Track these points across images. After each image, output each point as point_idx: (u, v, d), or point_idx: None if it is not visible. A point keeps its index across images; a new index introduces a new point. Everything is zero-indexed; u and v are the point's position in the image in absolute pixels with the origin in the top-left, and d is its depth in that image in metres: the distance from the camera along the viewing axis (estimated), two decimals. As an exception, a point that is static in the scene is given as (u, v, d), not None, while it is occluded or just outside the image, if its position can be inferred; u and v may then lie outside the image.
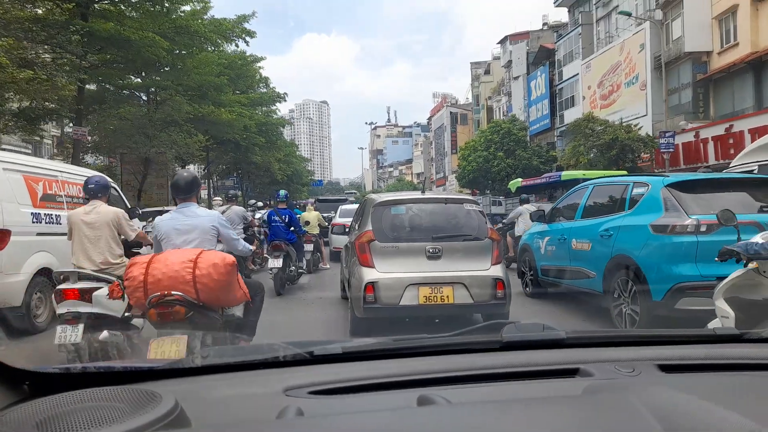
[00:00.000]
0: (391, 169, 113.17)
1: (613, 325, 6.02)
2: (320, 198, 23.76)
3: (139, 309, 3.59)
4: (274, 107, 33.87)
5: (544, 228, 8.22)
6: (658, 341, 1.51)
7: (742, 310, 3.39)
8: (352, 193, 25.07)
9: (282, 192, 9.96)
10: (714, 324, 3.64)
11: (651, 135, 22.39)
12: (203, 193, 39.15)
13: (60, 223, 6.65)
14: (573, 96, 33.53)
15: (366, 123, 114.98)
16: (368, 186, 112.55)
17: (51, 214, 6.76)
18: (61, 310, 4.20)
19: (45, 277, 6.37)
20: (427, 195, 6.37)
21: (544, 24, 44.35)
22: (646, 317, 5.51)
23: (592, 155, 22.24)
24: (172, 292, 3.34)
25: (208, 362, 1.30)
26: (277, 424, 0.96)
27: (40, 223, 6.57)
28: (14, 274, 6.00)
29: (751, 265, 3.26)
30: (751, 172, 8.11)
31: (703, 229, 4.47)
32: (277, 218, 9.20)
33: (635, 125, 22.65)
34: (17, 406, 0.96)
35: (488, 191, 34.44)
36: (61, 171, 7.34)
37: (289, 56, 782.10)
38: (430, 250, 5.63)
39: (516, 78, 42.02)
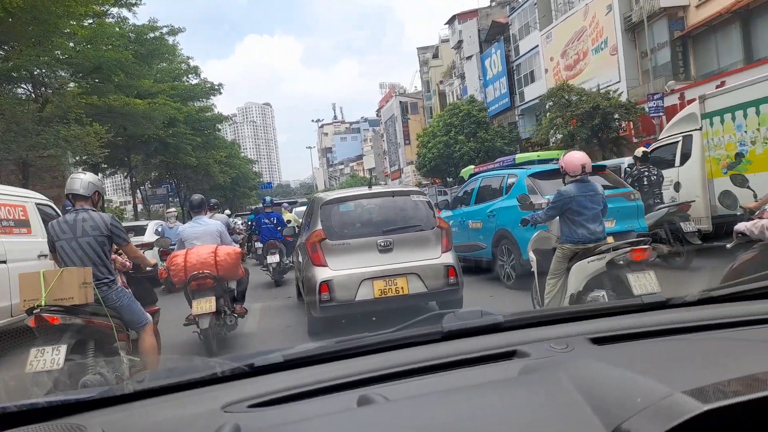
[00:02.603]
0: (342, 166, 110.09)
1: (500, 281, 7.97)
2: (275, 201, 20.87)
3: (179, 284, 5.58)
4: (209, 102, 30.16)
5: (449, 213, 9.64)
6: (591, 315, 1.52)
7: (540, 256, 5.17)
8: (293, 201, 22.89)
9: (268, 198, 11.96)
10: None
11: (631, 101, 20.23)
12: (129, 207, 35.06)
13: None
14: (533, 71, 31.42)
15: (312, 120, 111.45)
16: (320, 185, 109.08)
17: None
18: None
19: None
20: (374, 189, 6.42)
21: (492, 0, 42.10)
22: (519, 271, 7.39)
23: (570, 128, 19.84)
24: (204, 271, 5.37)
25: (142, 387, 1.19)
26: None
27: None
28: None
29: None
30: (675, 143, 9.42)
31: (543, 206, 5.38)
32: (266, 221, 10.73)
33: (615, 91, 20.44)
34: None
35: (451, 178, 32.05)
36: None
37: (231, 60, 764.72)
38: (382, 244, 5.69)
39: (468, 58, 39.61)
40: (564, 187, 4.79)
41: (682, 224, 7.86)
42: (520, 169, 8.36)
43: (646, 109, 18.88)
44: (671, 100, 19.55)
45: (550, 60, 28.58)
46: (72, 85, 14.51)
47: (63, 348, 3.54)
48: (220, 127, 35.45)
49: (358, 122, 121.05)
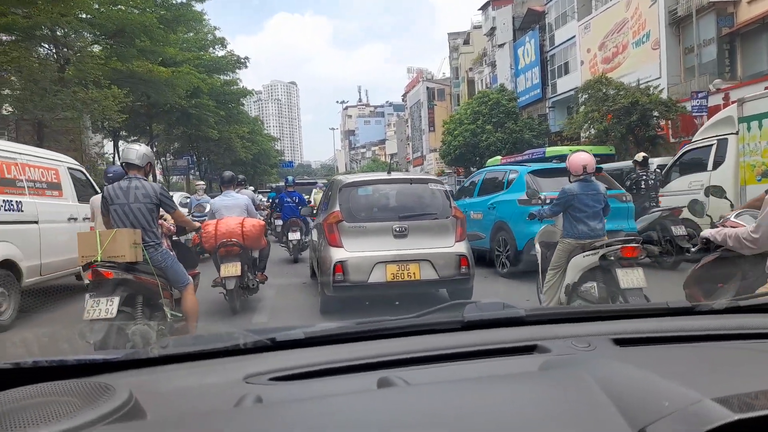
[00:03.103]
0: (364, 150, 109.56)
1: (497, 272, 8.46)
2: (297, 181, 20.79)
3: (210, 250, 6.32)
4: (234, 76, 29.71)
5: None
6: (614, 316, 1.53)
7: (545, 248, 5.42)
8: (314, 182, 23.36)
9: (290, 178, 12.32)
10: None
11: (671, 99, 19.28)
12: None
13: (22, 211, 6.34)
14: (567, 62, 30.37)
15: (337, 102, 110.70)
16: (341, 167, 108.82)
17: (11, 201, 6.20)
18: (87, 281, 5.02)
19: (7, 270, 5.99)
20: (393, 176, 6.57)
21: (529, -13, 40.80)
22: (513, 261, 7.99)
23: (606, 123, 18.97)
24: (232, 239, 6.12)
25: (166, 352, 1.22)
26: (234, 412, 0.93)
27: None
28: None
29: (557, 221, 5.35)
30: (710, 147, 9.22)
31: (548, 201, 5.68)
32: (288, 200, 11.16)
33: (655, 87, 19.49)
34: None
35: (475, 168, 31.38)
36: (20, 153, 6.74)
37: (259, 37, 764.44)
38: (397, 229, 5.77)
39: (501, 45, 38.54)
40: (568, 185, 5.07)
41: (672, 228, 8.12)
42: (521, 166, 9.06)
43: (688, 108, 17.95)
44: (715, 100, 18.57)
45: (587, 52, 27.53)
46: (95, 47, 14.07)
47: (116, 300, 3.93)
48: (244, 101, 35.05)
49: (382, 106, 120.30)
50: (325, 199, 7.16)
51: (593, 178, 5.12)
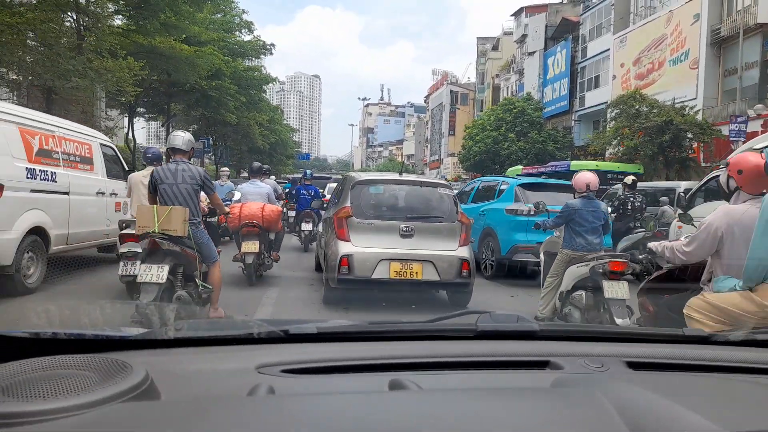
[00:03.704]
0: (381, 148, 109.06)
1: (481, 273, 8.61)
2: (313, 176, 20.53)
3: (233, 229, 7.26)
4: (259, 62, 29.29)
5: None
6: (628, 338, 1.52)
7: (548, 257, 5.79)
8: (328, 176, 23.29)
9: (309, 171, 12.90)
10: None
11: (707, 121, 18.49)
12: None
13: (55, 181, 6.58)
14: (598, 75, 29.55)
15: (359, 98, 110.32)
16: (357, 164, 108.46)
17: (46, 171, 6.45)
18: (123, 249, 5.38)
19: (38, 236, 6.20)
20: (404, 177, 6.89)
21: (564, -4, 39.94)
22: (497, 265, 8.58)
23: (637, 141, 18.22)
24: (253, 221, 7.08)
25: (182, 335, 1.24)
26: (247, 400, 0.95)
27: (35, 179, 6.24)
28: (5, 231, 5.74)
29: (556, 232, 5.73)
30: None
31: (532, 213, 6.52)
32: (305, 192, 11.70)
33: (691, 107, 18.72)
34: None
35: (491, 176, 30.73)
36: (57, 126, 7.02)
37: (289, 27, 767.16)
38: (404, 229, 5.98)
39: (531, 54, 37.74)
40: (571, 200, 5.46)
41: None
42: (511, 179, 9.76)
43: (724, 132, 17.19)
44: (753, 126, 17.78)
45: (620, 66, 26.72)
46: (119, 18, 13.62)
47: (166, 267, 4.40)
48: (266, 89, 34.63)
49: (404, 106, 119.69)
50: (337, 194, 7.50)
51: (594, 196, 5.51)
